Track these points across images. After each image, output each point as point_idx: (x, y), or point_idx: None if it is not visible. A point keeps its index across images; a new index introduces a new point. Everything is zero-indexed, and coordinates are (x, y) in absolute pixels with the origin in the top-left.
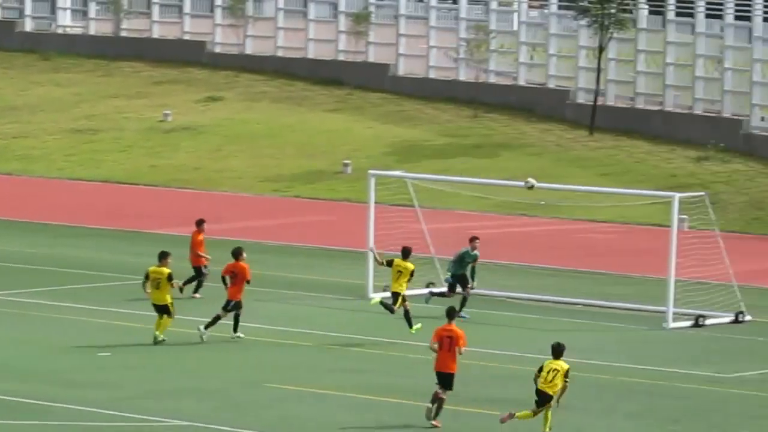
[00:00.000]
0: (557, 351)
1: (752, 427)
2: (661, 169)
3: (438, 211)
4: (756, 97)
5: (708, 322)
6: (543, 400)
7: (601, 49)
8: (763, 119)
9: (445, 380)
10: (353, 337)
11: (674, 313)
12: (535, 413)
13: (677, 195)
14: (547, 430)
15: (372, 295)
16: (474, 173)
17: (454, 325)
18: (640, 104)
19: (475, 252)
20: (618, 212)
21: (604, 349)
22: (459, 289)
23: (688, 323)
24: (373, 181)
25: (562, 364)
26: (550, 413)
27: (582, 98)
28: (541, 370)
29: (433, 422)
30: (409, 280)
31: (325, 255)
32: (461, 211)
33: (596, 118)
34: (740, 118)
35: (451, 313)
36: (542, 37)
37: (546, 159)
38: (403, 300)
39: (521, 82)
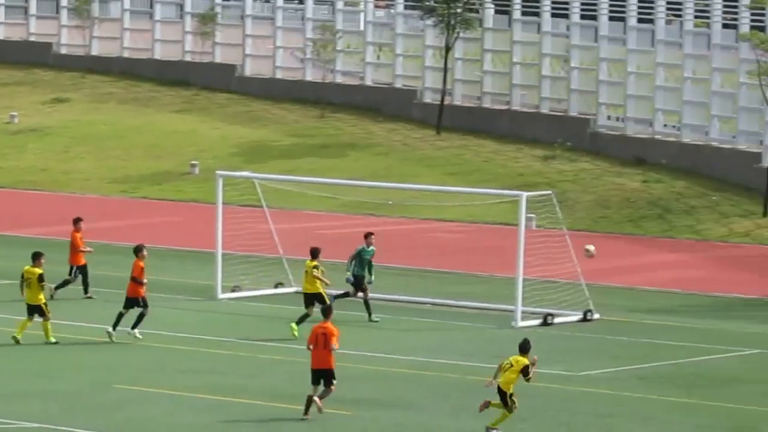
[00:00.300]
0: (523, 348)
1: (600, 425)
2: (508, 168)
3: (286, 212)
4: (602, 96)
5: (556, 320)
6: (502, 397)
7: (448, 48)
8: (609, 118)
9: (323, 376)
10: (202, 338)
11: (523, 312)
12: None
13: (524, 194)
14: (491, 425)
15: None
16: (321, 173)
17: (329, 324)
18: (487, 103)
19: (372, 247)
20: (466, 211)
21: (453, 348)
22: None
23: (537, 322)
24: (220, 182)
25: (520, 360)
26: (508, 416)
27: (429, 98)
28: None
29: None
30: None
31: (173, 256)
32: (309, 211)
33: (443, 118)
34: (587, 116)
35: (327, 312)
36: (389, 36)
37: (393, 158)
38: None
39: (368, 82)
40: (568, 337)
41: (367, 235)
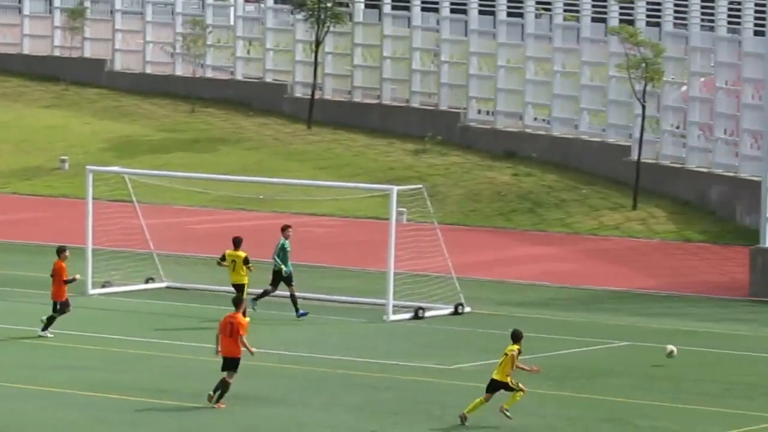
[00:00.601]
0: (515, 336)
1: (472, 418)
2: (379, 163)
3: (156, 207)
4: (473, 89)
5: (428, 314)
6: (491, 385)
7: (318, 43)
8: (479, 112)
9: (231, 364)
10: (73, 334)
11: (394, 306)
12: (486, 399)
13: (395, 188)
14: (505, 406)
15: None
16: (192, 168)
17: (239, 315)
18: (358, 98)
19: (288, 240)
20: (337, 206)
21: (325, 343)
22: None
23: (408, 315)
24: (90, 177)
25: (511, 348)
26: (518, 396)
27: (300, 92)
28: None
29: (218, 405)
30: (246, 269)
31: (42, 252)
32: (179, 206)
33: (314, 112)
34: (457, 110)
35: (237, 303)
36: (259, 31)
37: (264, 153)
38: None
39: (238, 77)
40: (440, 330)
41: (284, 228)
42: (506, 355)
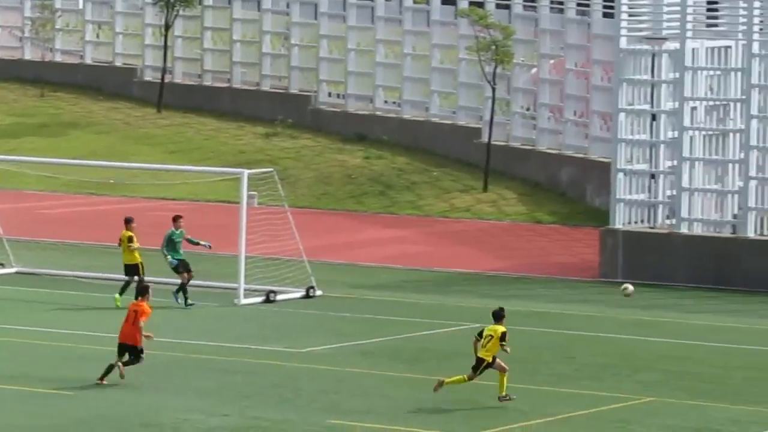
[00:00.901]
0: (497, 316)
1: (324, 401)
2: (230, 146)
3: (6, 192)
4: (323, 73)
5: (279, 297)
6: (477, 364)
7: (168, 26)
8: (330, 95)
9: (128, 350)
10: None
11: (245, 290)
12: (469, 378)
13: (246, 171)
14: (503, 393)
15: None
16: (42, 153)
17: (144, 303)
18: (208, 81)
19: (181, 230)
20: (188, 189)
21: (176, 326)
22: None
23: (260, 299)
24: None
25: (497, 329)
26: (505, 378)
27: (150, 76)
28: (480, 335)
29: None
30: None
31: None
32: (30, 191)
33: (164, 96)
34: (308, 94)
35: (141, 291)
36: (108, 15)
37: (114, 137)
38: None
39: (88, 61)
40: (291, 313)
41: (176, 218)
42: (492, 335)
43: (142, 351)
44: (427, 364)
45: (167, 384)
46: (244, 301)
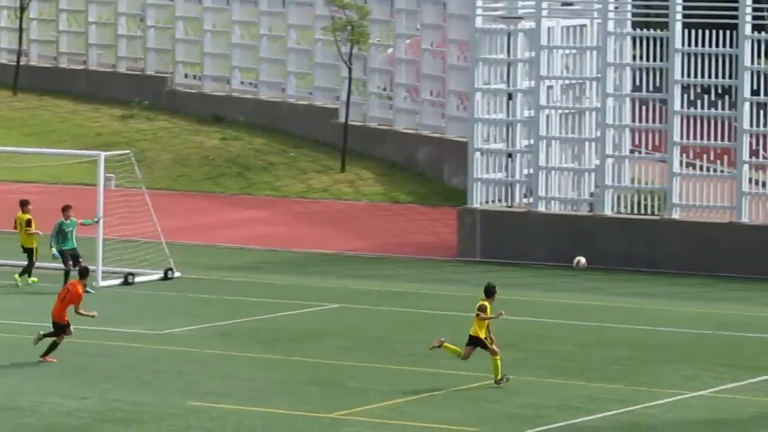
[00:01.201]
0: (486, 290)
1: (182, 383)
2: (86, 128)
3: None
4: (179, 54)
5: (137, 279)
6: (469, 340)
7: (23, 9)
8: (186, 76)
9: (57, 328)
10: None
11: (103, 272)
12: (464, 356)
13: (103, 154)
14: (500, 377)
15: None
16: None
17: (79, 285)
18: (64, 63)
19: (71, 219)
20: (45, 172)
21: (32, 309)
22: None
23: (118, 281)
24: None
25: (480, 302)
26: (499, 361)
27: (5, 58)
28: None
29: (46, 358)
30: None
31: None
32: None
33: (20, 79)
34: (164, 75)
35: (83, 273)
36: None
37: None
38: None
39: None
40: (150, 295)
41: (65, 209)
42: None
43: (65, 327)
44: (285, 344)
45: (25, 367)
46: (102, 283)
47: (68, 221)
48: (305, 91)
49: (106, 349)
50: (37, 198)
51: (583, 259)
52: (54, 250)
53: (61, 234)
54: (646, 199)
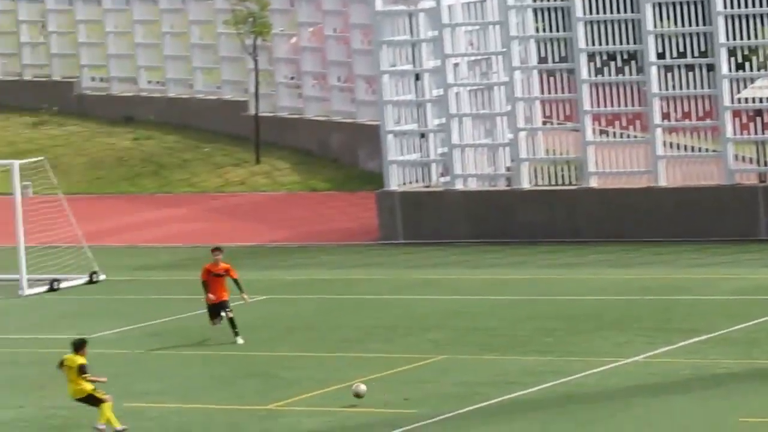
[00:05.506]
0: (77, 346)
1: (117, 385)
2: None
3: None
4: (84, 58)
5: (63, 285)
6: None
7: None
8: (93, 79)
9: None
10: None
11: (29, 280)
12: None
13: (17, 162)
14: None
15: None
16: None
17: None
18: None
19: None
20: None
21: None
22: None
23: (44, 288)
24: None
25: (75, 360)
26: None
27: None
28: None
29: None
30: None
31: None
32: None
33: None
34: (71, 80)
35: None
36: None
37: None
38: None
39: None
40: (77, 300)
41: None
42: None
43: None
44: (217, 340)
45: None
46: (28, 291)
47: None
48: (213, 86)
49: (40, 357)
50: None
51: (362, 387)
52: None
53: None
54: (562, 170)
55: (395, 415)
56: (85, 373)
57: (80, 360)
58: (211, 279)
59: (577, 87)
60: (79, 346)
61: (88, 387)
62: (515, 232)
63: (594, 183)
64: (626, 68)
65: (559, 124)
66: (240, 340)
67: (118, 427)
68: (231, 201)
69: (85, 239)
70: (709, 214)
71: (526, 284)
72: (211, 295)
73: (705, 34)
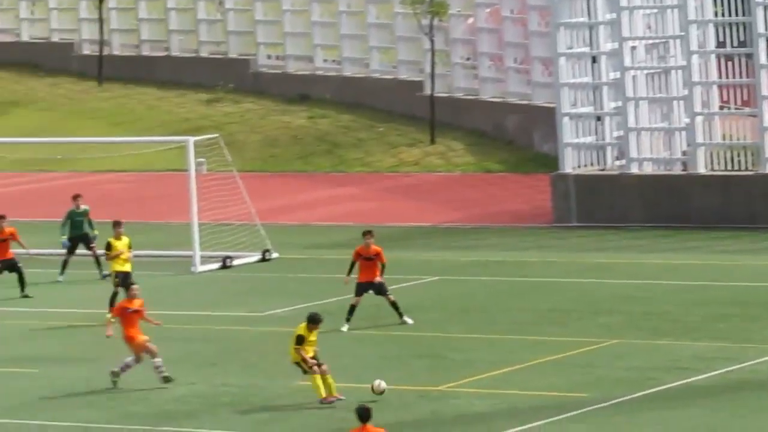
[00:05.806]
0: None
1: (287, 363)
2: (173, 115)
3: None
4: (260, 35)
5: (236, 262)
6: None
7: None
8: (269, 57)
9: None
10: None
11: (201, 257)
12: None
13: (191, 139)
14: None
15: None
16: None
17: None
18: (146, 51)
19: (84, 207)
20: (135, 161)
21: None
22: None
23: (216, 265)
24: None
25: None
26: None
27: (87, 50)
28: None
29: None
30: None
31: None
32: None
33: (104, 69)
34: (247, 57)
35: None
36: None
37: (58, 113)
38: None
39: (24, 38)
40: (250, 278)
41: (75, 197)
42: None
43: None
44: (389, 319)
45: (129, 355)
46: (200, 268)
47: (79, 209)
48: (389, 66)
49: (211, 334)
50: (130, 186)
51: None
52: (64, 238)
53: (71, 222)
54: (739, 155)
55: (565, 399)
56: (300, 344)
57: (300, 331)
58: (362, 262)
59: (756, 72)
60: (311, 320)
61: (297, 356)
62: (690, 217)
63: None
64: None
65: (736, 109)
66: (409, 320)
67: (320, 397)
68: (404, 181)
69: (258, 217)
70: None
71: (699, 269)
72: (349, 277)
73: None
